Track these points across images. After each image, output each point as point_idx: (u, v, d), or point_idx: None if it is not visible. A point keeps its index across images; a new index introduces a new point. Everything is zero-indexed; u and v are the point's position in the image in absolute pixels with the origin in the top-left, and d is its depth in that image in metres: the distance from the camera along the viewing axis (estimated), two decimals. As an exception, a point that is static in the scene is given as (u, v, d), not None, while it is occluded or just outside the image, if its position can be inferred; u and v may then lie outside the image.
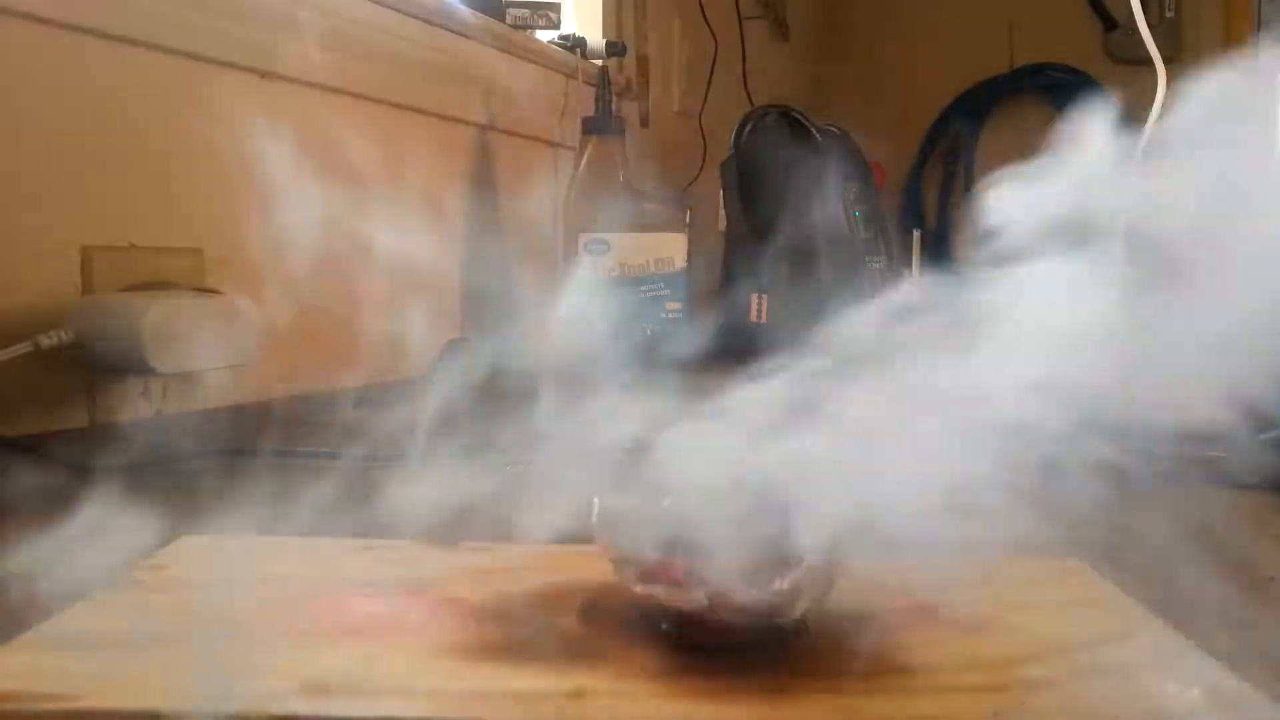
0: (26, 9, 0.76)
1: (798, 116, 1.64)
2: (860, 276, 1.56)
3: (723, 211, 1.63)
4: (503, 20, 1.42)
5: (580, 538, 0.37)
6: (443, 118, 1.30)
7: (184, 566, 0.42)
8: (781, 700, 0.30)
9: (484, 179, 1.41)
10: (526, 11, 1.45)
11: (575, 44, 1.55)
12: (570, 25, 1.63)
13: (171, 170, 0.89)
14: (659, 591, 0.35)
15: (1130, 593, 0.39)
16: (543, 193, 1.55)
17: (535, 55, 1.48)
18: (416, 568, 0.43)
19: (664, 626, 0.35)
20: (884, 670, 0.33)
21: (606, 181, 1.35)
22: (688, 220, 1.36)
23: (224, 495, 0.61)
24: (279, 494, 0.61)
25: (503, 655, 0.33)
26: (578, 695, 0.31)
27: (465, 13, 1.31)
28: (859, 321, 0.36)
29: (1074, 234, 0.33)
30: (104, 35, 0.82)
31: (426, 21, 1.22)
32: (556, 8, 1.49)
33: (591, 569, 0.39)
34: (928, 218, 2.50)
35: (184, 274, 0.88)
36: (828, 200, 1.57)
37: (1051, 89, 2.43)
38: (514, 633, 0.35)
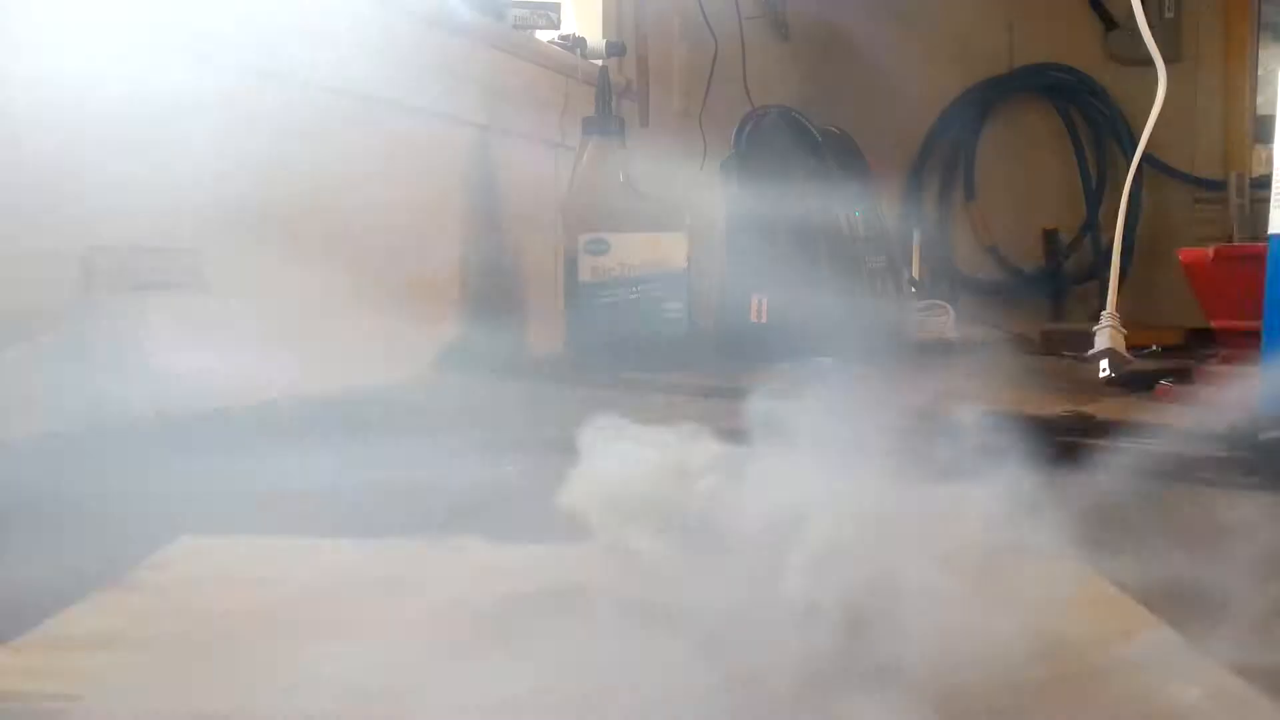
0: (29, 8, 0.76)
1: (798, 116, 1.64)
2: (860, 276, 1.56)
3: (723, 211, 1.63)
4: (503, 20, 1.42)
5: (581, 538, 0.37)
6: (443, 118, 1.30)
7: (184, 566, 0.42)
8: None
9: (484, 179, 1.41)
10: (526, 11, 1.45)
11: (575, 44, 1.55)
12: (570, 25, 1.63)
13: (171, 170, 0.89)
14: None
15: (1130, 592, 0.39)
16: (543, 193, 1.55)
17: (535, 55, 1.48)
18: (417, 568, 0.43)
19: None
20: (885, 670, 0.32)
21: (606, 181, 1.35)
22: (688, 220, 1.36)
23: (224, 495, 0.61)
24: (279, 494, 0.61)
25: (503, 655, 0.33)
26: (577, 695, 0.31)
27: (465, 13, 1.31)
28: None
29: None
30: (105, 35, 0.82)
31: (426, 21, 1.22)
32: (556, 8, 1.49)
33: (591, 569, 0.39)
34: (928, 218, 2.50)
35: (184, 274, 0.87)
36: (828, 200, 1.57)
37: (1051, 89, 2.43)
38: (514, 633, 0.35)
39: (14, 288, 0.77)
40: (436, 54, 1.26)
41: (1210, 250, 1.14)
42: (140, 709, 0.30)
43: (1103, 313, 1.19)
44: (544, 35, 1.52)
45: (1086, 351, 1.18)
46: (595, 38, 1.60)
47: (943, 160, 2.49)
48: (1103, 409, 0.87)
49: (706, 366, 1.35)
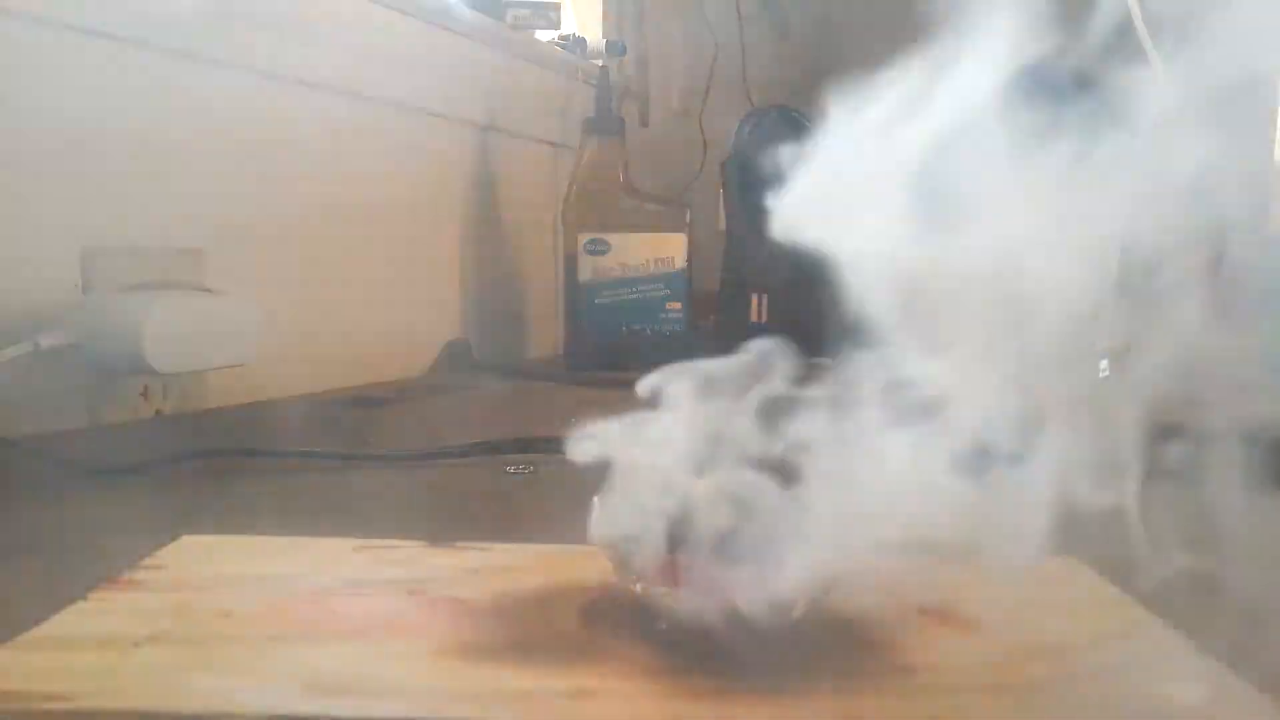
0: (27, 9, 0.76)
1: (797, 116, 1.64)
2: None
3: (723, 211, 1.63)
4: (503, 20, 1.42)
5: (580, 538, 0.37)
6: (443, 118, 1.30)
7: (184, 566, 0.42)
8: (782, 701, 0.30)
9: (484, 179, 1.41)
10: (526, 11, 1.45)
11: (575, 44, 1.55)
12: (570, 25, 1.63)
13: (171, 170, 0.89)
14: (659, 591, 0.35)
15: (1131, 593, 0.39)
16: (543, 193, 1.55)
17: (535, 55, 1.48)
18: (416, 568, 0.43)
19: (663, 626, 0.35)
20: (884, 670, 0.33)
21: (606, 181, 1.35)
22: (688, 220, 1.36)
23: (224, 495, 0.61)
24: (278, 494, 0.61)
25: (503, 655, 0.33)
26: (578, 695, 0.31)
27: (465, 13, 1.31)
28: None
29: None
30: (105, 35, 0.82)
31: (426, 21, 1.22)
32: (556, 8, 1.49)
33: (591, 569, 0.39)
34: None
35: (184, 274, 0.87)
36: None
37: (1051, 89, 2.43)
38: (514, 633, 0.35)
39: (14, 288, 0.77)
40: (437, 54, 1.26)
41: (1211, 251, 1.14)
42: (140, 709, 0.30)
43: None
44: (544, 35, 1.52)
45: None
46: (595, 38, 1.60)
47: (943, 160, 2.49)
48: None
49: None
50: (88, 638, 0.34)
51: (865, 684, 0.31)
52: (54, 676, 0.31)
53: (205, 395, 0.91)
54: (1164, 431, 0.32)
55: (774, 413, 0.36)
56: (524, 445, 0.70)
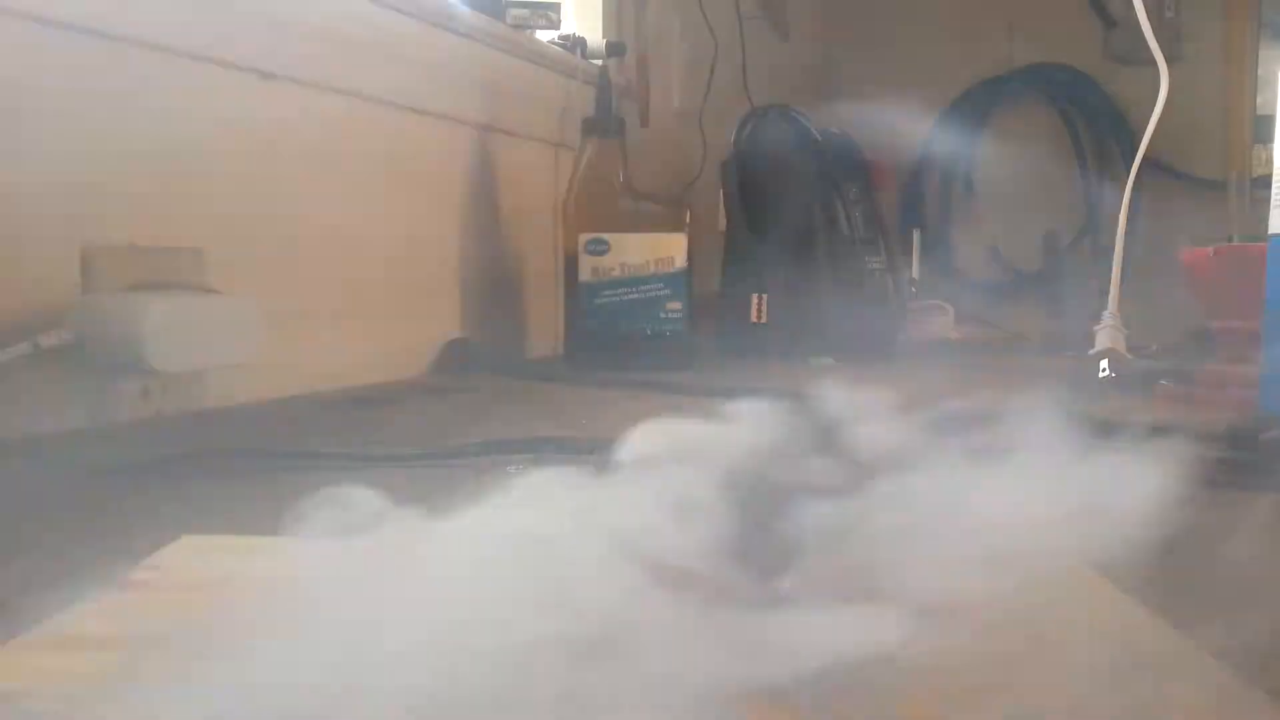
0: (28, 9, 0.76)
1: (798, 116, 1.64)
2: (860, 276, 1.56)
3: (723, 211, 1.63)
4: (503, 20, 1.42)
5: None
6: (443, 118, 1.30)
7: (184, 566, 0.42)
8: (776, 699, 0.30)
9: (484, 179, 1.41)
10: (526, 11, 1.45)
11: (575, 44, 1.55)
12: (570, 25, 1.63)
13: (171, 170, 0.89)
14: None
15: (1130, 593, 0.39)
16: (543, 193, 1.55)
17: (535, 55, 1.48)
18: (417, 567, 0.43)
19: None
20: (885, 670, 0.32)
21: (606, 182, 1.35)
22: (688, 220, 1.36)
23: (224, 495, 0.61)
24: (278, 495, 0.61)
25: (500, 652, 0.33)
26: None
27: (465, 13, 1.31)
28: None
29: None
30: (105, 35, 0.82)
31: (426, 21, 1.22)
32: (556, 8, 1.49)
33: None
34: (928, 218, 2.50)
35: (184, 274, 0.87)
36: (827, 200, 1.57)
37: (1052, 89, 2.43)
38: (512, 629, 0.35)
39: (13, 287, 0.77)
40: (436, 54, 1.26)
41: (1210, 250, 1.14)
42: (140, 709, 0.30)
43: (1104, 313, 1.19)
44: (544, 35, 1.52)
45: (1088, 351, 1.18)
46: (595, 38, 1.60)
47: (943, 160, 2.49)
48: (1102, 409, 0.87)
49: (707, 366, 1.35)
50: (88, 638, 0.34)
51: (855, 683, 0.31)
52: (54, 676, 0.31)
53: (205, 395, 0.91)
54: None
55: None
56: (524, 445, 0.70)
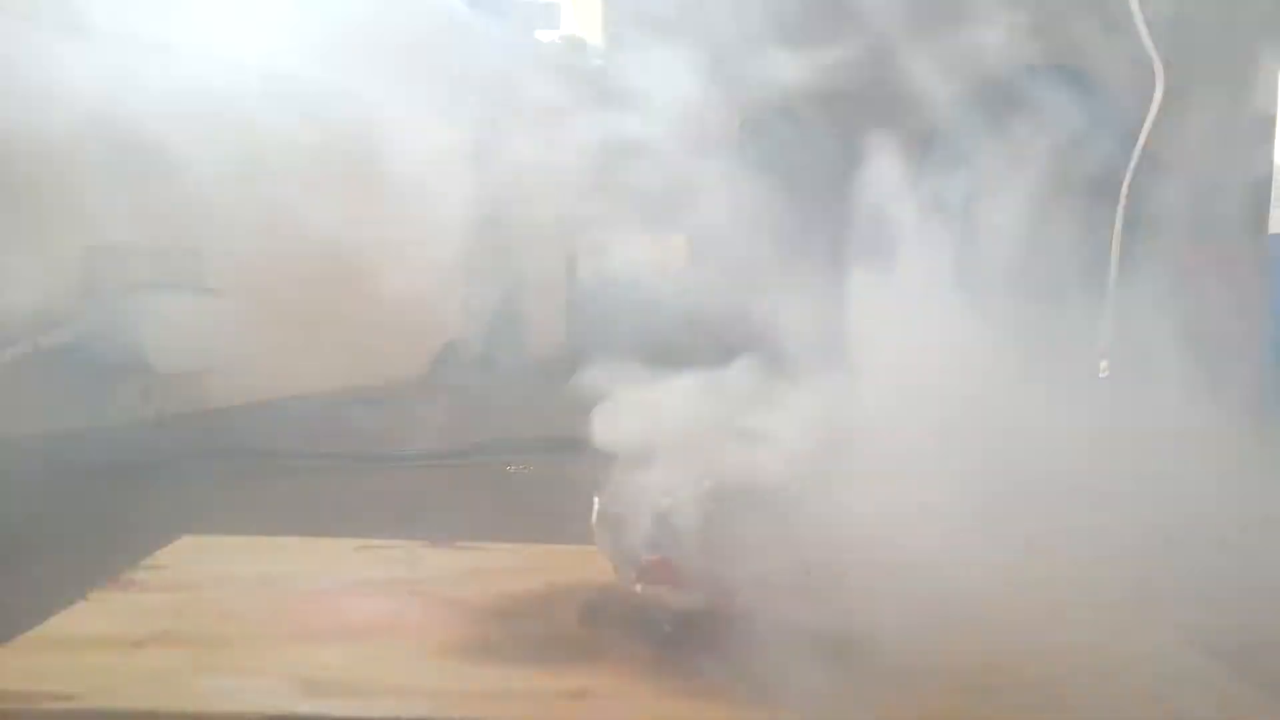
0: (28, 8, 0.76)
1: (797, 115, 1.63)
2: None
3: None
4: (503, 20, 1.42)
5: (580, 537, 0.37)
6: (443, 118, 1.30)
7: (184, 566, 0.42)
8: (777, 701, 0.30)
9: (484, 179, 1.41)
10: (526, 11, 1.45)
11: (575, 44, 1.55)
12: (570, 25, 1.63)
13: (171, 170, 0.89)
14: (659, 591, 0.35)
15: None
16: (543, 193, 1.55)
17: (535, 55, 1.48)
18: (416, 568, 0.43)
19: (665, 627, 0.35)
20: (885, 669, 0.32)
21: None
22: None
23: (224, 495, 0.61)
24: (278, 494, 0.61)
25: (503, 655, 0.33)
26: (578, 695, 0.31)
27: (465, 12, 1.31)
28: None
29: None
30: (105, 35, 0.82)
31: (426, 21, 1.22)
32: (556, 8, 1.49)
33: (591, 569, 0.39)
34: (927, 218, 2.50)
35: (184, 274, 0.87)
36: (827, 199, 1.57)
37: (1051, 89, 2.43)
38: (514, 633, 0.35)
39: (14, 287, 0.77)
40: (436, 54, 1.26)
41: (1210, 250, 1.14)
42: (140, 709, 0.30)
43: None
44: (544, 35, 1.51)
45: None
46: (595, 38, 1.60)
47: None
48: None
49: (707, 366, 1.34)
50: (88, 638, 0.34)
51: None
52: (54, 676, 0.31)
53: (205, 395, 0.91)
54: None
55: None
56: (525, 445, 0.71)
